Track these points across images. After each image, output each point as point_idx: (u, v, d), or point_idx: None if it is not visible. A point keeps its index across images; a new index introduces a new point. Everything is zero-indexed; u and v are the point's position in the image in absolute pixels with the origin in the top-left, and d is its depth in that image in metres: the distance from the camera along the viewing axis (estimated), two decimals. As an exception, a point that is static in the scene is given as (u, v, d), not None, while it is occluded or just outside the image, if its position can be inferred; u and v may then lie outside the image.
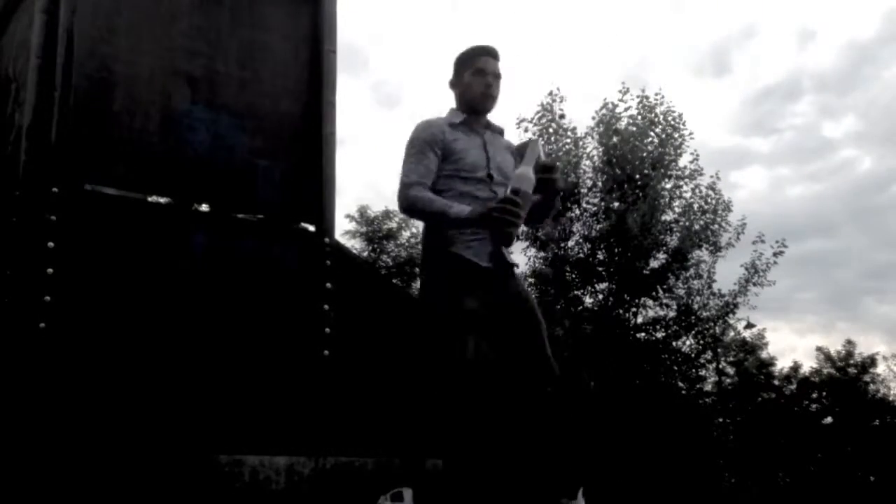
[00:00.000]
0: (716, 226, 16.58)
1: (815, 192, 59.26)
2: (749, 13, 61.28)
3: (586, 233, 16.61)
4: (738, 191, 51.22)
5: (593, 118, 16.80)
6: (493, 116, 2.91)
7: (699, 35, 58.72)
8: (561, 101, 16.69)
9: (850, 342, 28.64)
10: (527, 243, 16.65)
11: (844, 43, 62.23)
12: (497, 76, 2.83)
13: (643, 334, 17.05)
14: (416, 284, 19.32)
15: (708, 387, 21.31)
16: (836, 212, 57.67)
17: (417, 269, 19.15)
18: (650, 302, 16.92)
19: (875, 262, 51.83)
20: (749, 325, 21.28)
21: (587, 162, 16.90)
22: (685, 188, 16.79)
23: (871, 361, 28.03)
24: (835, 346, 36.65)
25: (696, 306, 16.82)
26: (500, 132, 2.91)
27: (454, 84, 2.87)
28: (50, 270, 2.70)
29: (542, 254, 16.73)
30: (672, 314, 17.01)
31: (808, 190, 59.27)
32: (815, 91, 61.00)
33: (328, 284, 3.25)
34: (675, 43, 56.67)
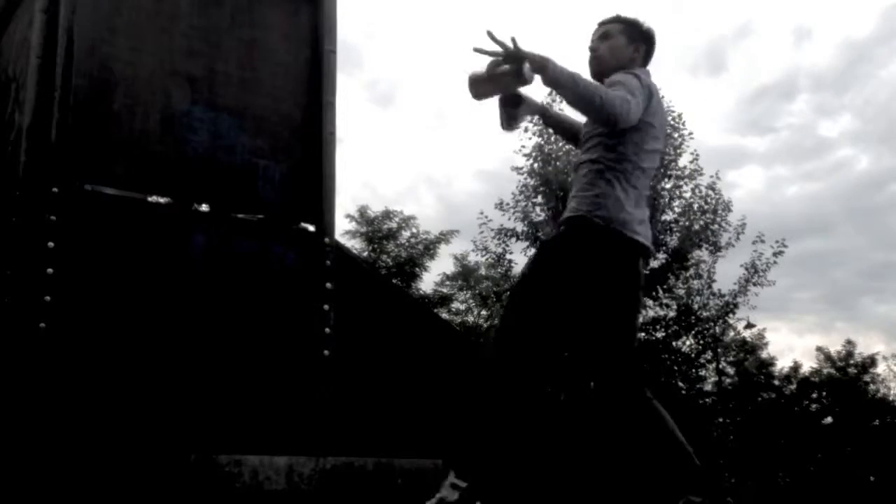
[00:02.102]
0: (716, 226, 16.60)
1: (813, 192, 59.26)
2: (745, 11, 61.28)
3: (586, 233, 16.58)
4: (736, 190, 51.20)
5: (593, 118, 16.79)
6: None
7: (695, 33, 58.69)
8: (561, 101, 16.67)
9: (849, 342, 28.68)
10: (527, 243, 16.66)
11: (841, 41, 62.24)
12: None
13: (643, 334, 17.05)
14: (416, 284, 19.34)
15: (708, 387, 21.33)
16: (834, 211, 57.66)
17: (417, 269, 19.14)
18: (650, 302, 16.93)
19: (873, 261, 51.86)
20: (749, 325, 21.32)
21: (587, 162, 16.89)
22: (685, 188, 16.82)
23: (871, 361, 28.06)
24: (834, 346, 36.69)
25: (696, 306, 16.84)
26: None
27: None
28: (50, 270, 2.70)
29: (542, 254, 16.70)
30: (672, 314, 17.02)
31: (805, 189, 59.26)
32: (812, 90, 60.98)
33: (328, 284, 3.25)
34: (671, 41, 56.69)
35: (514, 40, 2.47)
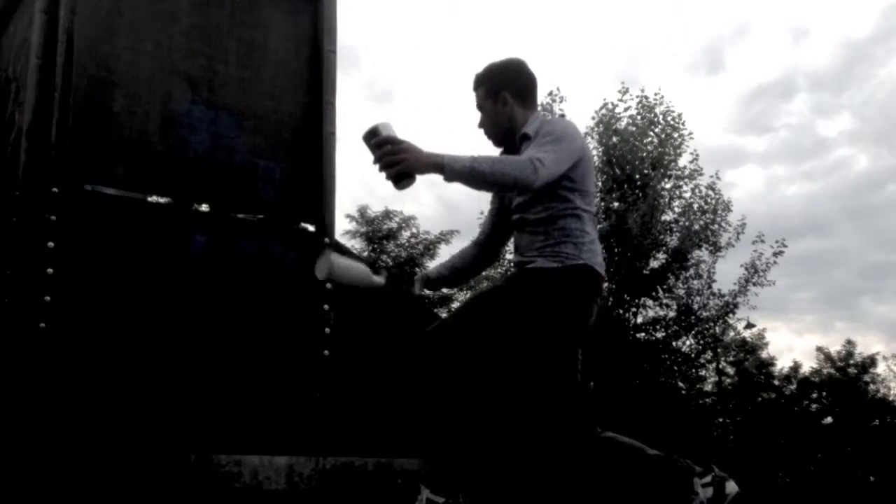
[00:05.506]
0: (715, 226, 16.62)
1: (811, 191, 59.28)
2: (743, 10, 61.23)
3: (586, 233, 16.59)
4: (734, 190, 51.32)
5: (593, 118, 16.83)
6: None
7: (693, 32, 58.68)
8: (561, 102, 16.70)
9: (849, 342, 28.71)
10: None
11: (839, 41, 62.21)
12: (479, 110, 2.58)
13: (643, 334, 17.06)
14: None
15: (708, 387, 21.34)
16: (832, 211, 57.70)
17: (417, 269, 19.16)
18: (650, 302, 16.95)
19: (871, 261, 51.93)
20: (749, 325, 21.32)
21: (587, 162, 16.89)
22: (685, 188, 16.84)
23: (871, 361, 28.08)
24: (833, 346, 36.70)
25: (696, 306, 16.86)
26: None
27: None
28: (50, 270, 2.70)
29: (542, 254, 16.70)
30: (672, 314, 17.04)
31: (804, 189, 59.28)
32: (810, 89, 60.93)
33: (328, 285, 3.25)
34: (670, 40, 56.61)
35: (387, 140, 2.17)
